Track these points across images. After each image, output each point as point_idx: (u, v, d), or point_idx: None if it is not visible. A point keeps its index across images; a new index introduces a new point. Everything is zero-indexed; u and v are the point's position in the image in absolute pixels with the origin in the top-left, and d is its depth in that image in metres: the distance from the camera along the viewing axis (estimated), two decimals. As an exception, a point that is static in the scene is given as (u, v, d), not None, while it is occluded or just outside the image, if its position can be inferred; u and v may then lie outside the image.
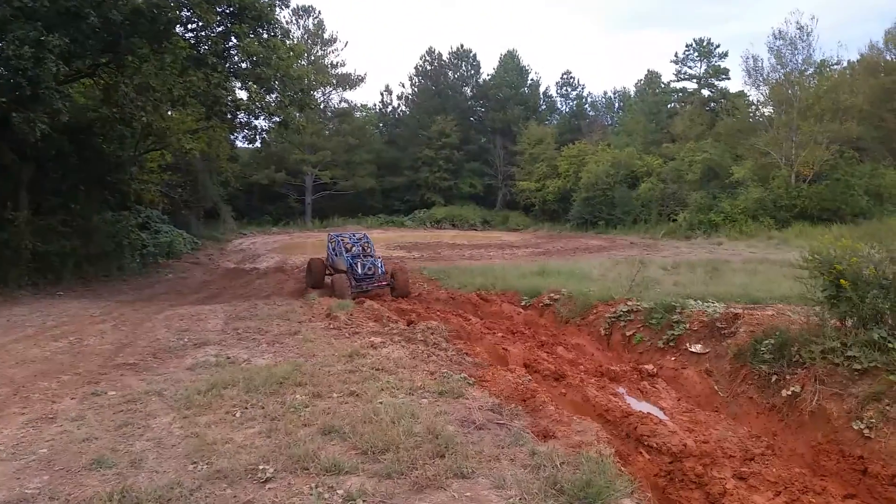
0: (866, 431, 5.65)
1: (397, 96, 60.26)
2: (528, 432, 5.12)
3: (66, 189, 17.48)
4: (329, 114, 51.81)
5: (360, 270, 15.56)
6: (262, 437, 4.80)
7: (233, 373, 6.63)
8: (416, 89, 58.64)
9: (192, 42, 15.77)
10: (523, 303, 13.52)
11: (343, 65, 51.83)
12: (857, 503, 5.12)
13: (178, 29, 15.76)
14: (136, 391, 6.13)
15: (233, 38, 15.97)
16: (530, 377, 7.69)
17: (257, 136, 19.82)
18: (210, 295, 15.73)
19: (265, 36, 16.45)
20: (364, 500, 3.74)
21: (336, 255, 16.44)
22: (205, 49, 15.65)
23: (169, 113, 20.07)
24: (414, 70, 59.26)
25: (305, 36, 48.19)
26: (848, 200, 30.84)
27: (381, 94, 66.04)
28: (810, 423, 6.25)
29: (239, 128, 19.82)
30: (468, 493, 3.84)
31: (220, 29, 15.93)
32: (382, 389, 6.03)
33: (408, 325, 10.51)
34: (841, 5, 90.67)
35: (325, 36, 49.64)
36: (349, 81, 51.18)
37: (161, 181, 24.82)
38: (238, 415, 5.35)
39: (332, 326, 9.76)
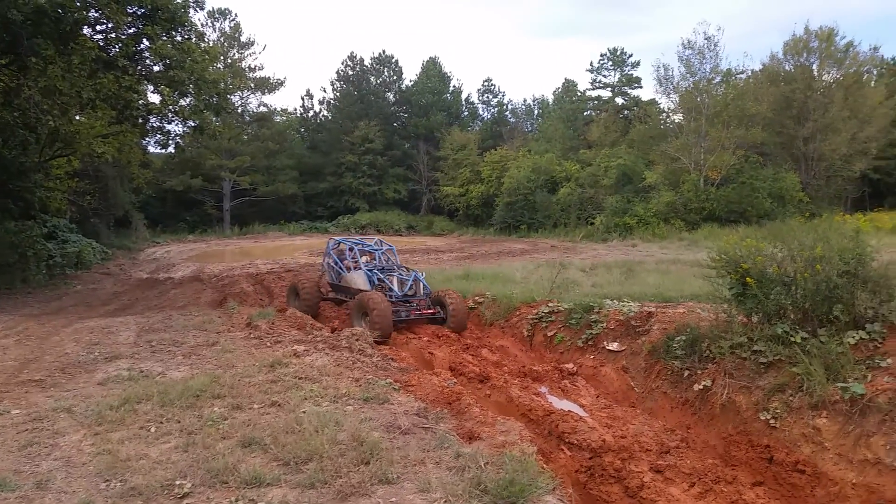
0: (772, 421, 5.98)
1: (319, 101, 59.63)
2: (454, 435, 5.15)
3: (-37, 198, 16.40)
4: (247, 118, 50.60)
5: (397, 288, 11.49)
6: (179, 452, 4.64)
7: (147, 386, 6.37)
8: (337, 94, 58.06)
9: (102, 44, 15.07)
10: (449, 307, 13.58)
11: (261, 68, 50.89)
12: (765, 490, 5.40)
13: (86, 30, 15.06)
14: (43, 408, 5.79)
15: (145, 40, 15.39)
16: (456, 380, 7.77)
17: (171, 141, 19.14)
18: (122, 307, 15.04)
19: (179, 38, 15.94)
20: (287, 512, 3.67)
21: (342, 269, 12.59)
22: (115, 51, 15.01)
23: (77, 117, 19.14)
24: (335, 75, 58.74)
25: (221, 39, 46.91)
26: (753, 203, 32.54)
27: (302, 99, 65.47)
28: (721, 416, 6.56)
29: (151, 132, 19.09)
30: (393, 499, 3.82)
31: (131, 30, 15.32)
32: (306, 398, 5.93)
33: (332, 332, 10.39)
34: (745, 17, 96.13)
35: (243, 39, 48.50)
36: (268, 85, 50.13)
37: (68, 188, 23.63)
38: (153, 430, 5.15)
39: (252, 336, 9.52)
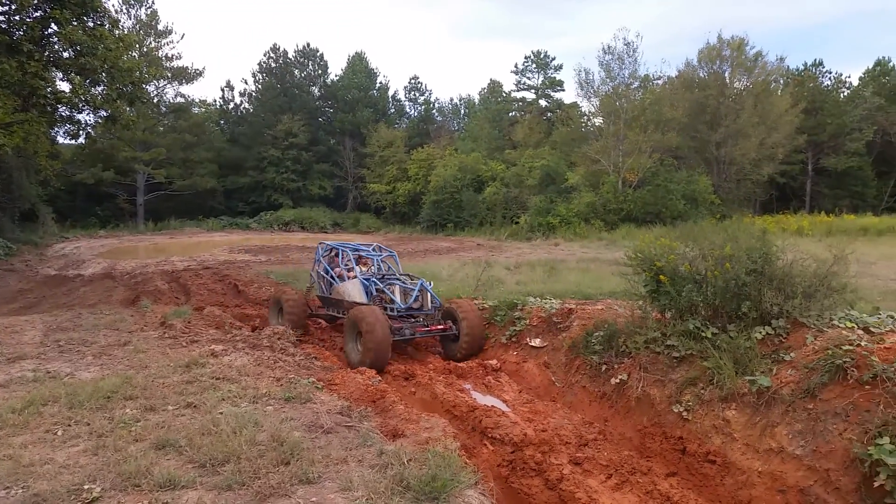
0: (685, 413, 6.23)
1: (240, 93, 58.00)
2: (377, 432, 5.14)
3: None
4: (163, 109, 48.67)
5: (399, 300, 9.59)
6: (88, 456, 4.42)
7: (53, 388, 6.03)
8: (260, 86, 56.65)
9: (4, 26, 14.15)
10: (373, 304, 13.49)
11: (179, 57, 49.00)
12: (679, 480, 5.62)
13: (-15, 11, 14.14)
14: (-67, 415, 5.40)
15: (53, 24, 14.55)
16: (380, 378, 7.73)
17: (81, 132, 18.19)
18: (27, 305, 14.21)
19: (91, 24, 15.18)
20: (202, 515, 3.55)
21: (333, 278, 10.74)
22: (19, 35, 14.13)
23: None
24: (258, 67, 57.30)
25: (137, 26, 44.90)
26: (667, 204, 33.80)
27: (222, 90, 63.34)
28: (637, 409, 6.79)
29: (60, 122, 18.09)
30: (314, 499, 3.77)
31: (37, 13, 14.46)
32: (223, 399, 5.76)
33: (252, 331, 10.14)
34: (662, 25, 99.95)
35: (160, 27, 46.57)
36: (186, 75, 48.29)
37: (-34, 180, 22.12)
38: (60, 433, 4.89)
39: (167, 335, 9.17)
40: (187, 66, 48.29)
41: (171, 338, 8.99)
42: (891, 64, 49.64)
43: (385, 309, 9.33)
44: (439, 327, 9.46)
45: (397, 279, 10.20)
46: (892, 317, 5.94)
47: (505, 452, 5.87)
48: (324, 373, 7.66)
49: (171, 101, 49.44)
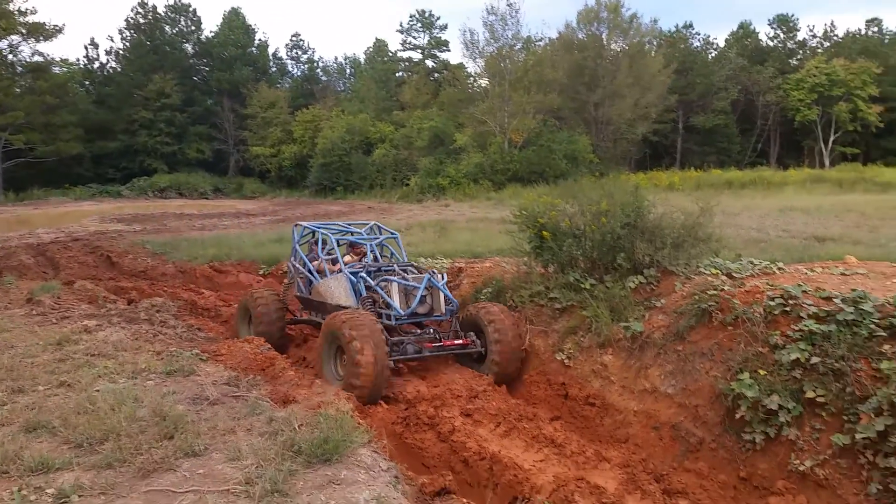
0: (566, 361, 6.56)
1: (105, 51, 53.93)
2: (267, 400, 5.08)
3: None
4: (19, 69, 44.42)
5: (398, 304, 6.90)
6: (-54, 447, 4.07)
7: None
8: (127, 44, 52.87)
9: None
10: (261, 272, 13.23)
11: (34, 12, 44.55)
12: (562, 424, 5.93)
13: None
14: None
15: None
16: (270, 346, 7.58)
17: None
18: None
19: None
20: (80, 495, 3.37)
21: (313, 273, 8.09)
22: None
23: None
24: (125, 23, 53.35)
25: (-18, -25, 40.44)
26: (550, 163, 34.85)
27: (86, 49, 58.42)
28: (524, 359, 7.07)
29: None
30: (201, 471, 3.68)
31: None
32: (99, 376, 5.47)
33: (129, 304, 9.64)
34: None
35: (9, -23, 42.12)
36: (43, 31, 44.09)
37: None
38: None
39: (35, 312, 8.57)
40: (44, 22, 44.14)
41: (40, 315, 8.42)
42: (752, 27, 53.30)
43: (380, 316, 6.95)
44: (457, 342, 6.99)
45: (395, 273, 7.46)
46: (752, 262, 6.44)
47: (399, 410, 5.97)
48: (208, 344, 7.44)
49: (28, 60, 45.16)
